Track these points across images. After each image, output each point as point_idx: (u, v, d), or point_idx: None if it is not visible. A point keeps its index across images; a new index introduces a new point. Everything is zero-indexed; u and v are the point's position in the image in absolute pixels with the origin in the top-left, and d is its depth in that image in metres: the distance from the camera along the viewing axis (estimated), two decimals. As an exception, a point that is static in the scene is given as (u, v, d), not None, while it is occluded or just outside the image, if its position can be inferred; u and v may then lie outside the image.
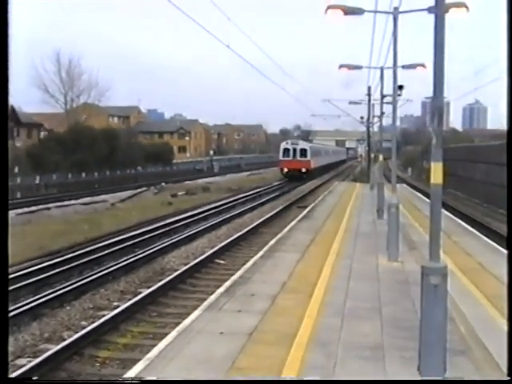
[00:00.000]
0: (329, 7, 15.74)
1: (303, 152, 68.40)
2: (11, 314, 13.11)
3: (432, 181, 6.51)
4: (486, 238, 20.31)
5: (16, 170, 54.41)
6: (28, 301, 14.30)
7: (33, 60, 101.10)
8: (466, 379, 6.39)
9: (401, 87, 22.85)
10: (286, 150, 69.04)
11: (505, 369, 7.56)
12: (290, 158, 67.93)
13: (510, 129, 5.91)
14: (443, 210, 25.94)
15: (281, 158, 69.86)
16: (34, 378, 8.74)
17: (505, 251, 17.24)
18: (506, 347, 5.77)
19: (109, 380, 8.44)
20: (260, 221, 29.38)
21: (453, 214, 28.00)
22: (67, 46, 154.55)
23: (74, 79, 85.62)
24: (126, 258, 19.40)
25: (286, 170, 68.03)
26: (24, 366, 10.22)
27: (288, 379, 6.08)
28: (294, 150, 68.49)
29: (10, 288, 15.22)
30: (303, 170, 66.99)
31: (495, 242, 19.57)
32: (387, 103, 29.65)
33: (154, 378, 6.54)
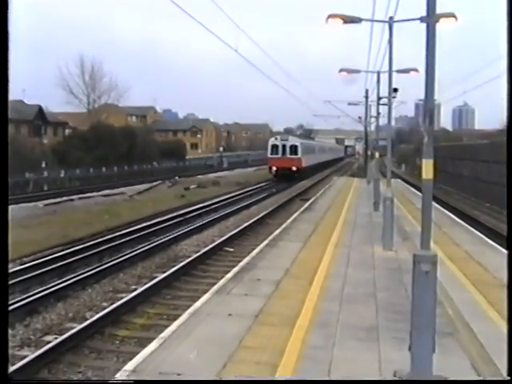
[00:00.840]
0: (329, 16, 15.73)
1: (293, 149, 57.67)
2: (39, 295, 13.23)
3: (423, 176, 6.51)
4: (473, 230, 20.30)
5: (43, 164, 54.62)
6: (53, 284, 14.38)
7: (59, 64, 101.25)
8: (466, 379, 6.39)
9: (395, 90, 22.89)
10: (275, 147, 58.24)
11: (488, 348, 7.63)
12: (279, 156, 57.32)
13: (509, 128, 5.90)
14: (435, 204, 26.02)
15: (269, 155, 58.89)
16: (34, 379, 8.76)
17: (490, 241, 17.27)
18: (506, 347, 5.77)
19: (109, 380, 8.46)
20: (266, 212, 29.40)
21: (443, 208, 27.95)
22: (90, 51, 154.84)
23: (96, 81, 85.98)
24: (142, 246, 19.47)
25: (274, 168, 57.32)
26: (51, 342, 10.30)
27: (288, 379, 6.10)
28: (284, 146, 57.77)
29: (38, 272, 15.36)
30: (293, 168, 56.47)
31: (482, 233, 19.58)
32: (383, 104, 29.68)
33: (153, 379, 6.55)
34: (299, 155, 57.42)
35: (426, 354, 6.35)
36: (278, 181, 53.91)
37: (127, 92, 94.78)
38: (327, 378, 6.76)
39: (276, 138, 59.96)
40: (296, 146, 57.91)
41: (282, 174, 55.75)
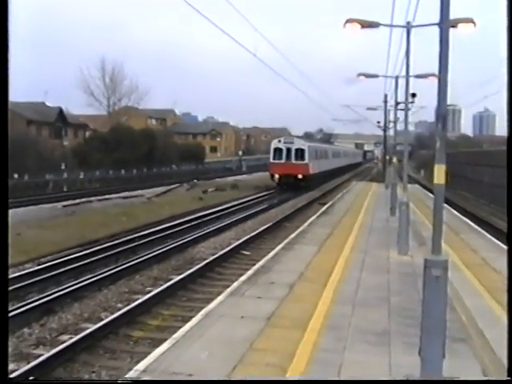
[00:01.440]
0: (347, 21, 15.73)
1: (299, 153, 49.75)
2: (55, 295, 13.35)
3: (435, 181, 6.52)
4: (490, 236, 20.16)
5: (63, 166, 55.03)
6: (70, 284, 14.49)
7: (80, 66, 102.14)
8: (466, 379, 6.38)
9: (414, 95, 22.80)
10: (278, 151, 50.42)
11: (500, 355, 7.58)
12: (283, 161, 49.49)
13: (510, 132, 5.91)
14: (452, 210, 25.78)
15: (271, 160, 51.08)
16: (34, 379, 8.83)
17: (507, 248, 17.15)
18: (506, 347, 5.76)
19: (109, 380, 8.51)
20: (283, 216, 29.42)
21: (461, 214, 27.80)
22: (111, 54, 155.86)
23: (117, 84, 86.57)
24: (159, 248, 19.57)
25: (277, 176, 49.71)
26: (65, 341, 10.40)
27: (288, 379, 6.11)
28: (288, 150, 49.95)
29: (55, 272, 15.50)
30: (299, 176, 48.59)
31: (499, 239, 19.43)
32: (401, 110, 29.53)
33: (153, 379, 6.59)
34: (306, 160, 49.65)
35: (436, 359, 6.34)
36: (281, 190, 47.52)
37: (147, 95, 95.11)
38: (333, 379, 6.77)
39: (279, 141, 51.43)
40: (302, 150, 49.95)
41: (286, 182, 48.75)
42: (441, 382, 6.45)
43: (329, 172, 63.89)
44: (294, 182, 48.43)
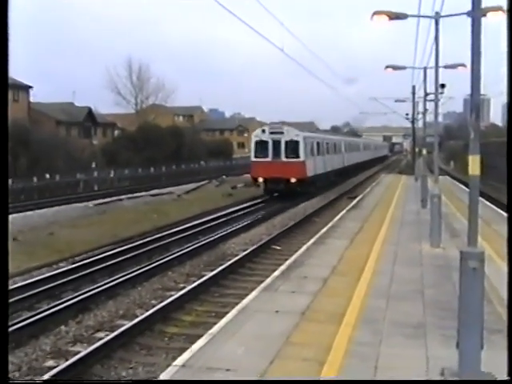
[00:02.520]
0: (374, 13, 15.64)
1: (292, 147, 36.28)
2: (90, 293, 13.52)
3: (470, 172, 6.47)
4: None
5: (93, 165, 55.52)
6: (104, 282, 14.65)
7: (107, 66, 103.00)
8: (466, 379, 6.33)
9: (443, 86, 22.63)
10: (262, 145, 36.72)
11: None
12: (269, 159, 36.21)
13: (509, 128, 5.89)
14: (484, 201, 25.51)
15: (253, 158, 37.74)
16: (34, 379, 8.93)
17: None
18: (507, 347, 5.74)
19: (109, 380, 8.59)
20: (312, 210, 29.38)
21: (493, 204, 27.48)
22: (137, 53, 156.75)
23: (144, 83, 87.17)
24: (191, 244, 19.68)
25: (261, 179, 36.42)
26: (102, 338, 10.52)
27: (289, 379, 6.12)
28: (276, 143, 36.34)
29: (89, 270, 15.69)
30: (292, 179, 35.25)
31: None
32: (430, 101, 29.28)
33: (202, 374, 6.63)
34: (302, 157, 36.18)
35: (474, 351, 6.31)
36: (269, 198, 35.93)
37: (174, 92, 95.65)
38: (372, 375, 6.77)
39: (263, 131, 37.30)
40: (296, 143, 36.19)
41: (274, 188, 35.99)
42: (441, 382, 6.39)
43: (340, 171, 50.34)
44: (284, 187, 35.26)
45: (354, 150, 64.26)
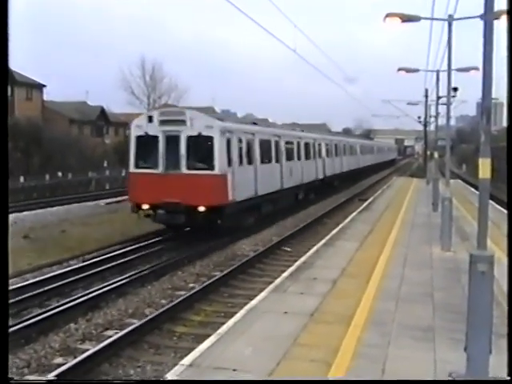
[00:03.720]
0: (387, 15, 15.60)
1: (200, 148, 20.44)
2: (100, 291, 13.56)
3: (480, 175, 6.44)
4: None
5: (105, 163, 55.69)
6: (114, 280, 14.69)
7: (120, 65, 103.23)
8: (466, 379, 6.30)
9: (455, 89, 22.56)
10: (146, 145, 20.96)
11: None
12: (159, 171, 20.55)
13: (509, 128, 5.85)
14: (494, 204, 25.34)
15: (132, 168, 21.52)
16: (34, 379, 8.94)
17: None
18: (506, 347, 5.70)
19: (109, 380, 8.59)
20: (323, 212, 29.31)
21: (503, 207, 27.32)
22: (150, 53, 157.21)
23: (157, 82, 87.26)
24: (201, 244, 19.65)
25: (145, 206, 20.41)
26: (111, 336, 10.55)
27: (289, 379, 6.11)
28: (172, 140, 20.43)
29: (99, 269, 15.74)
30: (200, 208, 19.53)
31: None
32: (443, 104, 29.18)
33: (209, 374, 6.63)
34: (216, 169, 20.31)
35: (482, 355, 6.28)
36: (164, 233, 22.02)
37: (186, 92, 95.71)
38: (380, 377, 6.75)
39: (150, 119, 20.89)
40: (209, 140, 20.39)
41: (169, 221, 20.63)
42: (441, 382, 6.35)
43: (314, 186, 35.04)
44: (188, 220, 20.11)
45: (347, 153, 48.74)
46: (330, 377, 6.08)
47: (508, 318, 5.75)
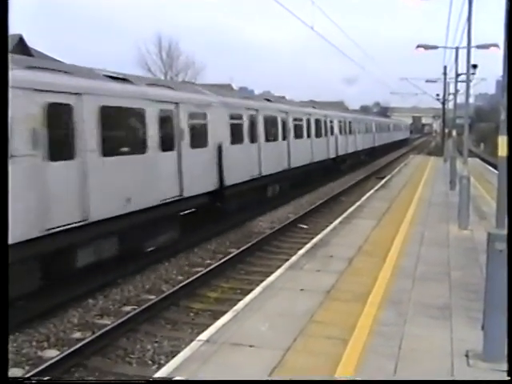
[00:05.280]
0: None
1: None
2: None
3: (499, 153, 6.36)
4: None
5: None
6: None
7: (137, 43, 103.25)
8: (466, 379, 6.26)
9: (475, 66, 22.29)
10: None
11: None
12: None
13: (509, 127, 5.78)
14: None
15: None
16: (34, 378, 8.98)
17: None
18: (506, 347, 5.66)
19: (109, 380, 8.64)
20: (340, 190, 29.24)
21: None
22: (167, 30, 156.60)
23: (173, 60, 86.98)
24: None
25: None
26: (129, 312, 10.63)
27: (289, 379, 6.12)
28: None
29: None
30: None
31: None
32: (462, 82, 28.87)
33: (157, 378, 6.64)
34: None
35: (499, 334, 6.24)
36: None
37: (203, 70, 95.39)
38: (396, 355, 6.74)
39: None
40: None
41: None
42: (442, 382, 6.34)
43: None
44: None
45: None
46: (330, 376, 6.06)
47: (508, 318, 5.70)
